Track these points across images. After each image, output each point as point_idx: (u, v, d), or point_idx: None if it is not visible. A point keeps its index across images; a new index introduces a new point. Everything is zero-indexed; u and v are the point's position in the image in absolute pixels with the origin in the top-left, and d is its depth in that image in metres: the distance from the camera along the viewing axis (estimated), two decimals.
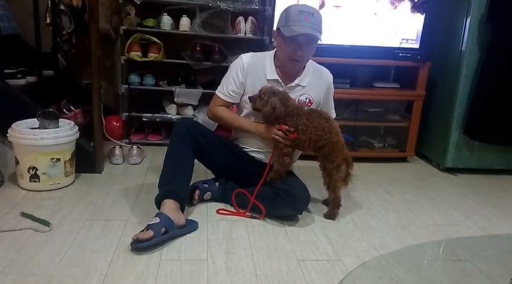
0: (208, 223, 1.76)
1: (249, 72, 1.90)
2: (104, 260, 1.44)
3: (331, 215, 1.90)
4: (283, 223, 1.80)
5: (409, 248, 1.68)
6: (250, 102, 1.88)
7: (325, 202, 2.01)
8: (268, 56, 1.94)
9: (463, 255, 1.67)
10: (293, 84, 1.91)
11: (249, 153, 1.98)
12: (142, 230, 1.53)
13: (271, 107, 1.78)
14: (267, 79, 1.89)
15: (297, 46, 1.78)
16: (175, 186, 1.70)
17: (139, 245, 1.49)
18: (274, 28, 1.90)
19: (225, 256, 1.52)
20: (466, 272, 1.54)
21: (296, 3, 2.59)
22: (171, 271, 1.40)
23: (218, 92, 1.97)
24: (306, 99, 1.93)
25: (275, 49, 1.93)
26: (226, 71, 1.97)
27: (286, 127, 1.82)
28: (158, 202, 1.68)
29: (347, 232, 1.77)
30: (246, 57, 1.92)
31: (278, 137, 1.82)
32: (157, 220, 1.56)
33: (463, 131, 2.59)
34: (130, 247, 1.51)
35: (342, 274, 1.45)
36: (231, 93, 1.94)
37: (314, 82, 1.94)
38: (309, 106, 1.93)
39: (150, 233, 1.50)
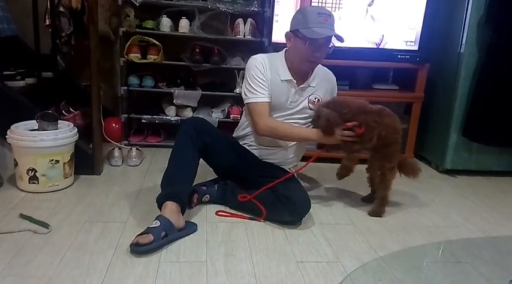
0: (208, 225, 1.76)
1: (269, 71, 1.88)
2: (103, 262, 1.43)
3: (378, 212, 1.95)
4: (283, 225, 1.80)
5: (408, 250, 1.68)
6: (311, 123, 1.95)
7: (365, 199, 2.09)
8: (278, 57, 1.93)
9: (463, 257, 1.67)
10: (305, 84, 1.92)
11: (255, 152, 1.97)
12: (142, 234, 1.52)
13: (325, 119, 1.78)
14: (281, 80, 1.89)
15: (316, 48, 1.80)
16: (177, 188, 1.70)
17: (139, 249, 1.48)
18: (280, 29, 1.92)
19: (224, 258, 1.51)
20: (465, 274, 1.54)
21: (294, 5, 2.61)
22: (170, 273, 1.40)
23: (255, 99, 1.85)
24: (315, 98, 1.96)
25: (284, 51, 1.93)
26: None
27: (352, 123, 1.80)
28: (160, 203, 1.67)
29: (346, 234, 1.77)
30: (261, 57, 1.91)
31: (346, 137, 1.80)
32: (158, 223, 1.56)
33: (462, 133, 2.59)
34: (129, 249, 1.51)
35: (341, 276, 1.45)
36: (267, 94, 1.86)
37: (322, 83, 1.98)
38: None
39: (151, 237, 1.50)
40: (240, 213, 1.87)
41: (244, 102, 1.91)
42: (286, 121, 1.93)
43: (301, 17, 1.81)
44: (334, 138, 1.81)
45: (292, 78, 1.90)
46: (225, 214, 1.87)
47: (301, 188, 1.91)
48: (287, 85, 1.90)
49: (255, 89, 1.86)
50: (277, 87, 1.89)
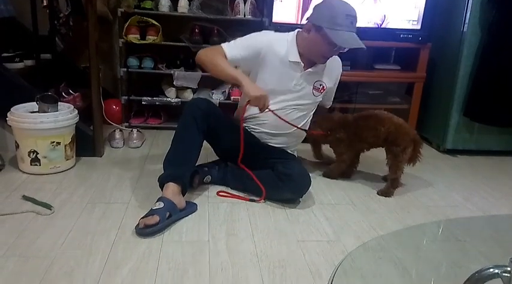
0: (209, 205, 1.77)
1: (271, 49, 1.84)
2: (106, 242, 1.45)
3: (386, 192, 1.99)
4: (284, 205, 1.81)
5: (408, 229, 1.69)
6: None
7: (385, 179, 2.12)
8: (289, 38, 1.89)
9: (462, 236, 1.68)
10: (311, 69, 1.89)
11: (256, 135, 1.95)
12: (147, 216, 1.53)
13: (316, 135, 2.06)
14: (289, 61, 1.85)
15: (337, 49, 1.80)
16: (180, 170, 1.70)
17: (146, 231, 1.49)
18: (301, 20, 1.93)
19: (226, 237, 1.53)
20: (465, 253, 1.55)
21: None
22: (172, 252, 1.41)
23: (225, 45, 1.83)
24: (320, 85, 1.95)
25: (296, 32, 1.89)
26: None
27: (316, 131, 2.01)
28: (162, 183, 1.68)
29: (347, 214, 1.78)
30: (271, 33, 1.90)
31: (261, 106, 1.76)
32: (162, 204, 1.56)
33: (463, 112, 2.58)
34: (135, 231, 1.51)
35: (342, 255, 1.46)
36: (238, 55, 1.82)
37: (328, 71, 1.96)
38: (322, 92, 1.97)
39: (156, 218, 1.51)
40: (241, 194, 1.88)
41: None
42: (288, 106, 1.90)
43: (328, 13, 1.75)
44: (259, 96, 1.73)
45: (300, 61, 1.87)
46: (226, 194, 1.88)
47: (301, 165, 1.91)
48: (293, 67, 1.87)
49: (238, 44, 1.83)
50: (282, 67, 1.86)
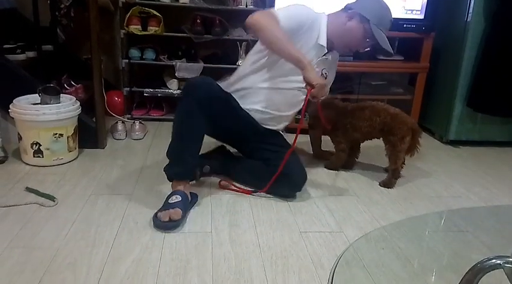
0: (212, 197, 1.78)
1: (312, 26, 1.76)
2: (110, 233, 1.46)
3: (387, 183, 1.99)
4: (286, 197, 1.81)
5: (410, 220, 1.70)
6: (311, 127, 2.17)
7: (387, 170, 2.10)
8: (322, 20, 1.80)
9: (464, 226, 1.68)
10: (328, 56, 1.88)
11: (250, 112, 1.84)
12: (166, 209, 1.51)
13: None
14: (318, 43, 1.79)
15: (368, 46, 1.80)
16: (188, 166, 1.67)
17: (169, 225, 1.49)
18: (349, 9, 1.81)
19: (228, 229, 1.54)
20: (467, 243, 1.56)
21: None
22: (175, 243, 1.42)
23: (278, 12, 1.68)
24: (325, 74, 1.93)
25: (327, 16, 1.82)
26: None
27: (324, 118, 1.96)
28: (171, 179, 1.67)
29: (349, 205, 1.79)
30: (312, 9, 1.79)
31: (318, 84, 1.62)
32: (179, 197, 1.56)
33: (466, 103, 2.57)
34: (153, 224, 1.50)
35: (344, 245, 1.47)
36: (289, 26, 1.68)
37: (333, 61, 1.96)
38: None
39: (179, 212, 1.51)
40: (243, 187, 1.87)
41: (272, 10, 1.72)
42: (297, 87, 1.80)
43: (378, 11, 1.76)
44: (316, 76, 1.62)
45: (325, 46, 1.81)
46: (228, 188, 1.86)
47: (298, 162, 1.85)
48: (317, 50, 1.81)
49: (290, 11, 1.71)
50: (311, 47, 1.79)
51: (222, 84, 1.83)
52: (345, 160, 2.13)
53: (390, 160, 1.98)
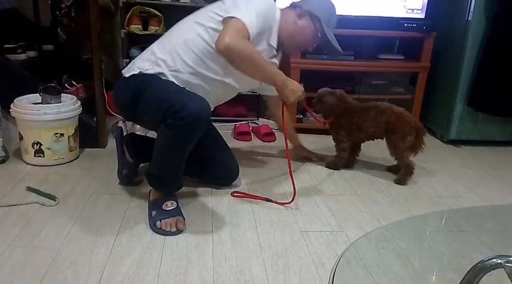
0: (212, 197, 1.78)
1: (271, 25, 1.65)
2: (110, 233, 1.46)
3: (401, 180, 2.01)
4: (287, 195, 1.81)
5: (411, 219, 1.70)
6: (311, 107, 2.05)
7: (390, 169, 2.15)
8: (277, 18, 1.69)
9: (465, 226, 1.68)
10: (277, 59, 1.82)
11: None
12: (167, 217, 1.48)
13: (330, 106, 2.02)
14: (269, 43, 1.68)
15: (317, 44, 1.76)
16: (178, 184, 1.61)
17: (175, 233, 1.47)
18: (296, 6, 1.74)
19: (229, 228, 1.54)
20: (468, 243, 1.56)
21: None
22: (176, 243, 1.42)
23: (247, 24, 1.48)
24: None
25: (280, 13, 1.70)
26: None
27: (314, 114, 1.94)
28: (167, 192, 1.60)
29: (350, 204, 1.79)
30: (275, 6, 1.67)
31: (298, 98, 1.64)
32: (175, 204, 1.55)
33: (467, 102, 2.57)
34: (158, 233, 1.47)
35: (345, 245, 1.47)
36: (256, 33, 1.53)
37: (279, 61, 1.87)
38: (260, 85, 1.82)
39: (182, 220, 1.51)
40: (255, 195, 1.80)
41: (228, 15, 1.51)
42: (243, 83, 1.73)
43: (328, 10, 1.74)
44: (293, 93, 1.61)
45: (275, 47, 1.72)
46: (241, 195, 1.80)
47: (230, 154, 1.88)
48: (268, 51, 1.70)
49: (255, 17, 1.51)
50: (260, 49, 1.65)
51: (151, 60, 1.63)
52: (346, 159, 2.13)
53: (397, 158, 2.00)
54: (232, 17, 1.50)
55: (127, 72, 1.66)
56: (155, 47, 1.68)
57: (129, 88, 1.59)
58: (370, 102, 2.06)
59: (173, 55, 1.61)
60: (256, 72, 1.57)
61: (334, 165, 2.15)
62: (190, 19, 1.69)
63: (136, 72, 1.62)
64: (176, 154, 1.48)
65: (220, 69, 1.63)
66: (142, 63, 1.64)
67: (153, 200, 1.59)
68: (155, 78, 1.58)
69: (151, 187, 1.63)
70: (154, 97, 1.48)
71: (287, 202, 1.74)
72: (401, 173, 2.02)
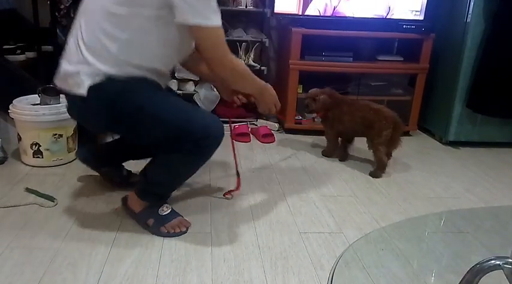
0: (211, 198, 1.78)
1: None
2: (109, 234, 1.46)
3: (375, 174, 2.11)
4: (286, 197, 1.81)
5: (410, 220, 1.70)
6: (307, 107, 2.25)
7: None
8: None
9: (464, 227, 1.68)
10: None
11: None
12: (170, 220, 1.49)
13: (323, 102, 2.20)
14: None
15: None
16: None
17: (180, 233, 1.48)
18: None
19: (228, 229, 1.54)
20: (467, 244, 1.56)
21: None
22: (175, 244, 1.42)
23: (215, 21, 1.34)
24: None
25: None
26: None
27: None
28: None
29: (348, 205, 1.79)
30: None
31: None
32: (170, 207, 1.54)
33: (466, 104, 2.57)
34: (166, 236, 1.47)
35: (344, 246, 1.47)
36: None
37: None
38: None
39: (183, 218, 1.54)
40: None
41: (203, 24, 1.31)
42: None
43: None
44: (269, 103, 1.60)
45: None
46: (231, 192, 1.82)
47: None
48: None
49: (213, 7, 1.35)
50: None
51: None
52: (335, 148, 2.32)
53: (373, 152, 2.11)
54: (210, 27, 1.33)
55: (76, 86, 1.32)
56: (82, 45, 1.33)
57: (105, 110, 1.34)
58: (357, 100, 2.24)
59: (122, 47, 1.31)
60: (249, 82, 1.53)
61: (325, 152, 2.37)
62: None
63: (96, 81, 1.30)
64: (191, 173, 1.50)
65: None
66: (97, 68, 1.31)
67: (142, 210, 1.51)
68: (133, 87, 1.33)
69: (134, 200, 1.53)
70: (156, 119, 1.33)
71: (233, 189, 1.81)
72: (375, 167, 2.13)
